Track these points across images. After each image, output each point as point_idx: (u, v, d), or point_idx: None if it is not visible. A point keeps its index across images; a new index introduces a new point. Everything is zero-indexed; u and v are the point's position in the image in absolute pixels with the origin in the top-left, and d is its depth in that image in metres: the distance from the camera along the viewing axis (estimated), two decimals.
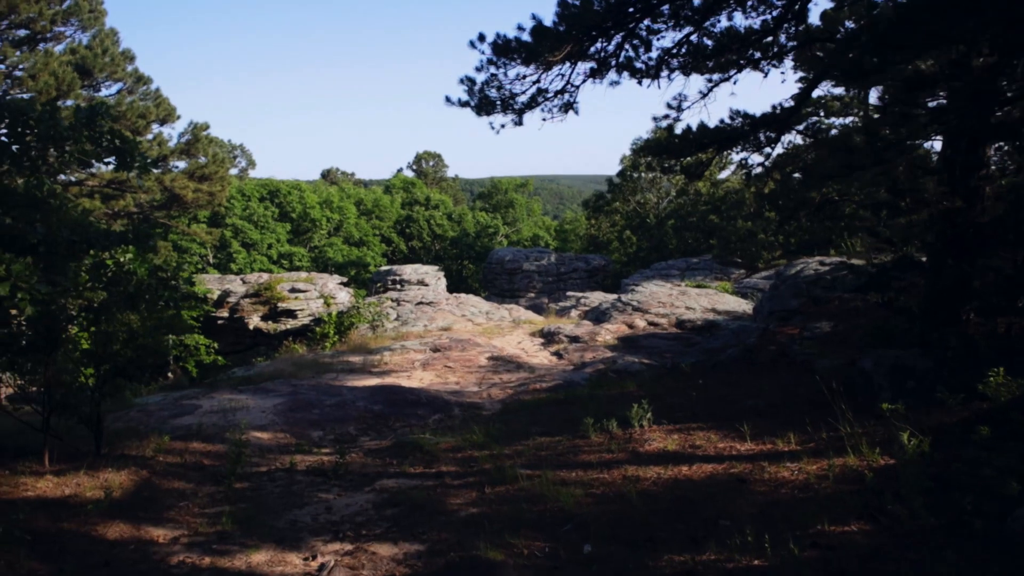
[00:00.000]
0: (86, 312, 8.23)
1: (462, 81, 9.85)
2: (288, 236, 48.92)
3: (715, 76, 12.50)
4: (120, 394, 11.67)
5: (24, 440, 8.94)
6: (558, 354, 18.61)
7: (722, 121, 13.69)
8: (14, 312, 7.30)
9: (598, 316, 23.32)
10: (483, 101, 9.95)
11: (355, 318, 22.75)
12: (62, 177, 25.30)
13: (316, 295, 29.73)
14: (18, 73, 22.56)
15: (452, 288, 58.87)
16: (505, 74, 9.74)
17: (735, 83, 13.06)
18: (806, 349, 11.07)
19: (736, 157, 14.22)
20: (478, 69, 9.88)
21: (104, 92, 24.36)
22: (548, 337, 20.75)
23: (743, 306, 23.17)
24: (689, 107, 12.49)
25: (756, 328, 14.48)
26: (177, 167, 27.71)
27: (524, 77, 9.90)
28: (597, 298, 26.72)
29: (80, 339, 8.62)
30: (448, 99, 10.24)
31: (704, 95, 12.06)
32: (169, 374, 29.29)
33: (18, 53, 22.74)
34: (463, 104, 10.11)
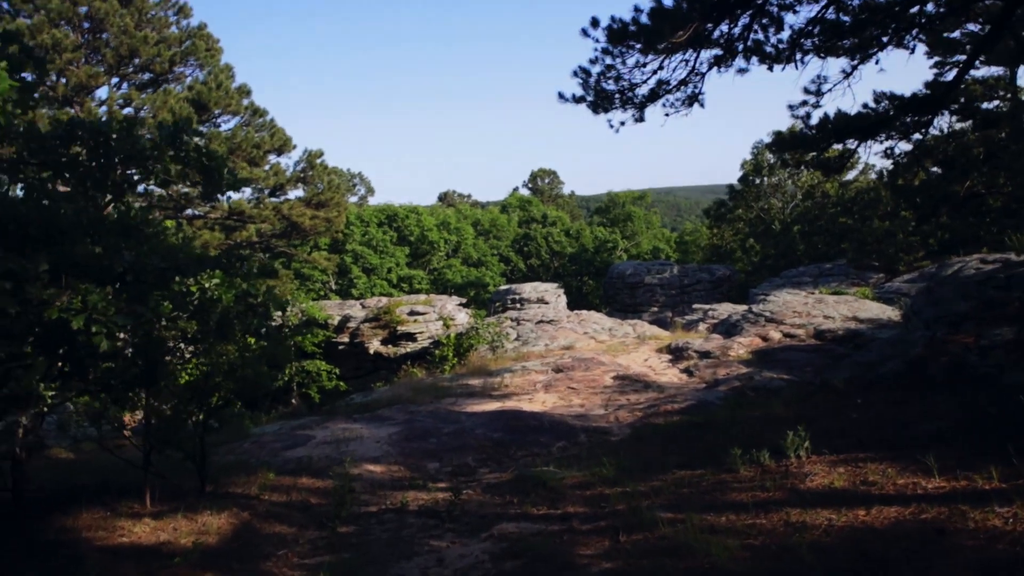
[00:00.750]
0: (184, 343, 7.73)
1: (575, 73, 8.91)
2: (407, 259, 49.29)
3: (854, 57, 11.09)
4: (236, 423, 11.30)
5: (127, 478, 8.53)
6: (688, 371, 17.29)
7: (865, 106, 12.20)
8: (119, 344, 6.75)
9: (728, 329, 21.78)
10: (600, 96, 8.99)
11: (474, 339, 22.10)
12: (189, 212, 25.98)
13: (435, 317, 29.39)
14: (142, 114, 23.25)
15: (572, 305, 57.79)
16: (623, 63, 8.74)
17: (877, 63, 11.60)
18: (990, 360, 9.43)
19: (878, 148, 12.64)
20: (592, 61, 8.94)
21: (222, 127, 24.93)
22: (676, 353, 19.43)
23: (888, 313, 21.10)
24: (830, 90, 11.10)
25: (917, 337, 12.76)
26: (291, 196, 28.04)
27: (644, 65, 8.87)
28: (725, 310, 25.11)
29: (178, 371, 8.15)
30: (561, 95, 9.34)
31: (847, 74, 10.65)
32: (294, 400, 29.57)
33: (143, 95, 23.47)
34: (577, 100, 9.18)
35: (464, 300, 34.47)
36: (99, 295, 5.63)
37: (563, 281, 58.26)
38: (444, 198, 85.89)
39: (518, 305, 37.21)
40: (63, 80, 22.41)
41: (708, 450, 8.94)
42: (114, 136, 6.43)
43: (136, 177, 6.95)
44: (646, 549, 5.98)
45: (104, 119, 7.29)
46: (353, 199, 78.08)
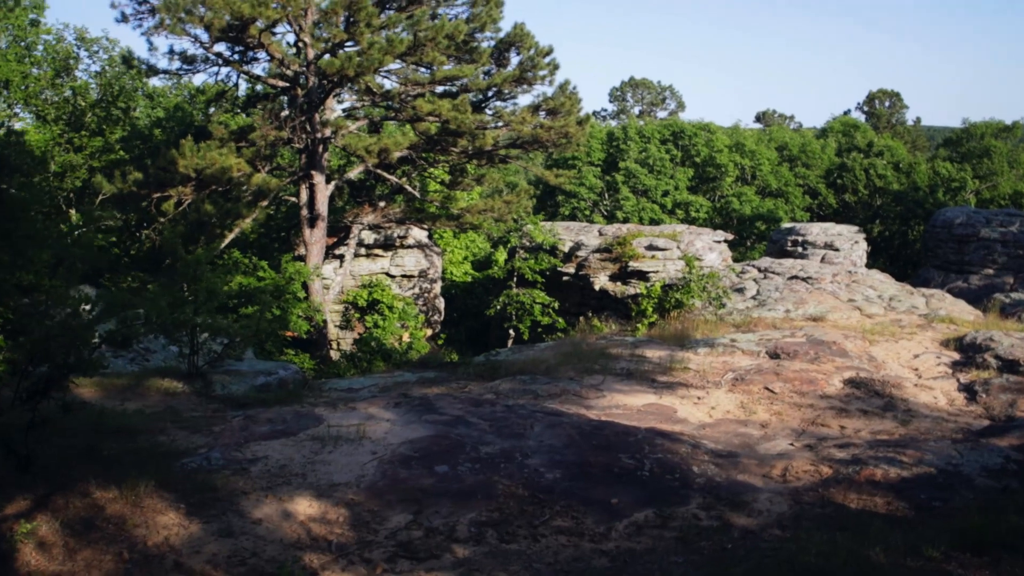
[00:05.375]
0: None
1: None
2: (690, 183, 43.58)
3: None
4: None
5: None
6: (970, 390, 11.00)
7: None
8: None
9: None
10: None
11: (682, 294, 17.01)
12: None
13: (677, 255, 24.38)
14: None
15: (886, 257, 48.37)
16: None
17: None
18: None
19: None
20: None
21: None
22: (967, 352, 12.93)
23: None
24: None
25: None
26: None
27: None
28: None
29: None
30: None
31: None
32: (511, 333, 26.46)
33: None
34: None
35: (728, 237, 28.78)
36: None
37: (884, 225, 48.72)
38: (762, 118, 76.94)
39: (800, 248, 30.64)
40: None
41: None
42: None
43: None
44: None
45: None
46: (662, 114, 72.66)
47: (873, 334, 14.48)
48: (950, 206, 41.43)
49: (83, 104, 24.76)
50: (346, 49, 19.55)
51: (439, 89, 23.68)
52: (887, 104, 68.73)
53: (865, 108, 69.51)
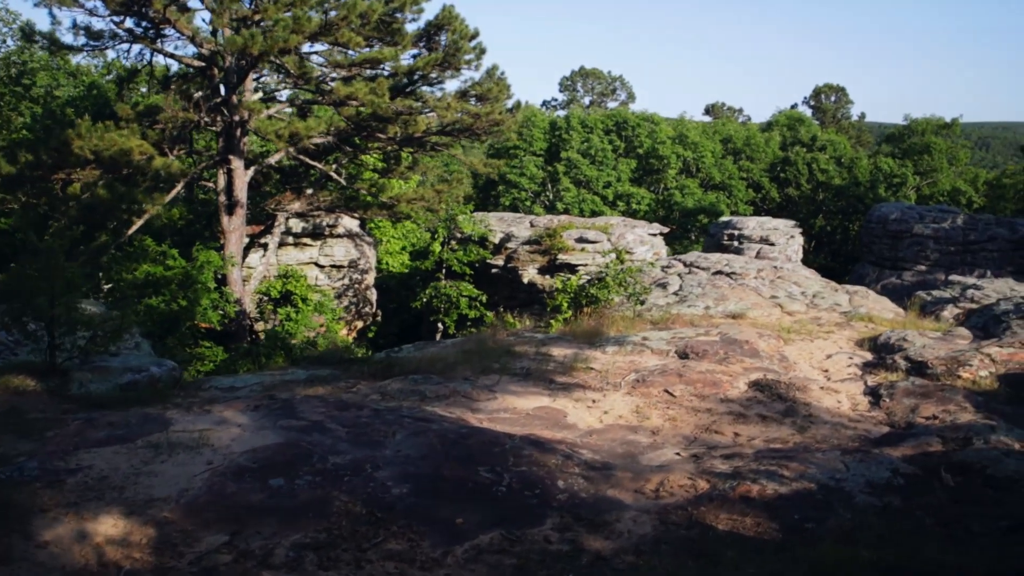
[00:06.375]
0: None
1: None
2: (633, 175, 43.15)
3: None
4: None
5: None
6: (874, 393, 10.57)
7: None
8: None
9: (987, 324, 14.21)
10: None
11: (598, 289, 16.45)
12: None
13: (607, 248, 23.90)
14: None
15: (827, 252, 48.65)
16: None
17: None
18: None
19: None
20: None
21: None
22: (880, 352, 12.58)
23: None
24: None
25: None
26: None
27: None
28: (997, 290, 16.93)
29: None
30: None
31: None
32: (439, 326, 25.72)
33: None
34: None
35: (664, 230, 28.38)
36: None
37: (826, 220, 48.97)
38: (711, 111, 77.03)
39: (736, 242, 30.42)
40: None
41: None
42: None
43: None
44: None
45: None
46: (612, 104, 72.24)
47: (790, 332, 14.08)
48: (890, 201, 41.69)
49: None
50: (260, 27, 18.58)
51: (368, 73, 22.84)
52: (833, 99, 69.27)
53: (812, 102, 69.99)
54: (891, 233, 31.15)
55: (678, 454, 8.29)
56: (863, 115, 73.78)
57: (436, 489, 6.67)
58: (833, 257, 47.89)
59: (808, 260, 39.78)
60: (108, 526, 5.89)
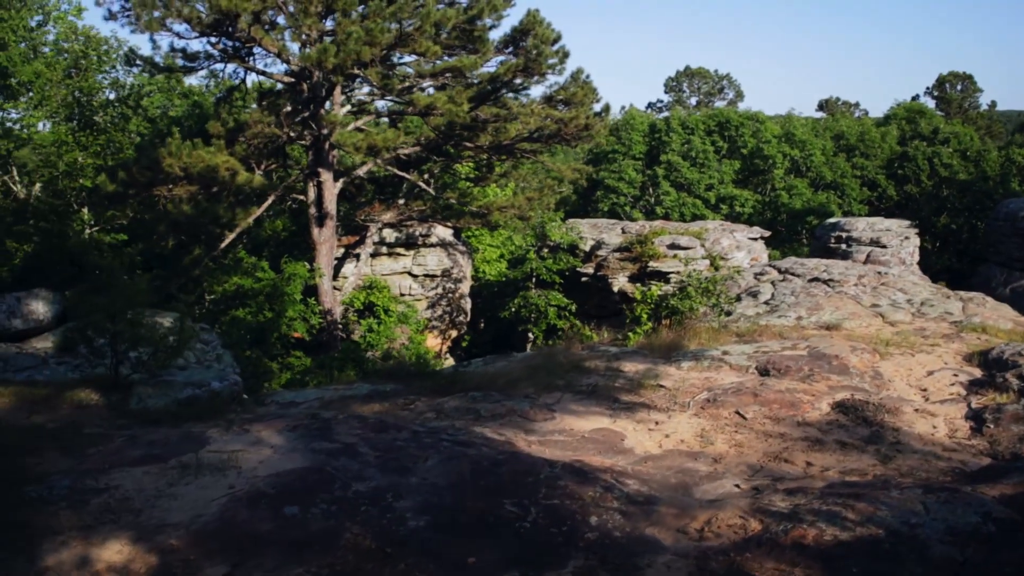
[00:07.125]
0: None
1: None
2: (736, 176, 41.51)
3: None
4: None
5: None
6: (977, 418, 9.43)
7: None
8: None
9: None
10: None
11: (679, 300, 15.60)
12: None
13: (700, 254, 22.90)
14: None
15: (952, 252, 45.29)
16: None
17: None
18: None
19: None
20: None
21: None
22: (991, 369, 11.31)
23: None
24: None
25: None
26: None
27: None
28: None
29: None
30: None
31: None
32: (530, 337, 25.29)
33: None
34: None
35: (765, 234, 27.06)
36: None
37: (954, 217, 45.67)
38: (824, 106, 73.60)
39: (843, 246, 28.69)
40: None
41: None
42: None
43: None
44: None
45: None
46: (720, 104, 70.07)
47: (888, 346, 12.90)
48: (1023, 196, 38.49)
49: (95, 104, 24.60)
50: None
51: (453, 82, 22.72)
52: (959, 88, 64.90)
53: (935, 93, 65.77)
54: (1020, 231, 28.64)
55: (737, 486, 7.54)
56: (993, 104, 68.85)
57: (455, 523, 6.21)
58: (958, 258, 44.66)
59: (930, 262, 37.20)
60: (113, 552, 5.73)
